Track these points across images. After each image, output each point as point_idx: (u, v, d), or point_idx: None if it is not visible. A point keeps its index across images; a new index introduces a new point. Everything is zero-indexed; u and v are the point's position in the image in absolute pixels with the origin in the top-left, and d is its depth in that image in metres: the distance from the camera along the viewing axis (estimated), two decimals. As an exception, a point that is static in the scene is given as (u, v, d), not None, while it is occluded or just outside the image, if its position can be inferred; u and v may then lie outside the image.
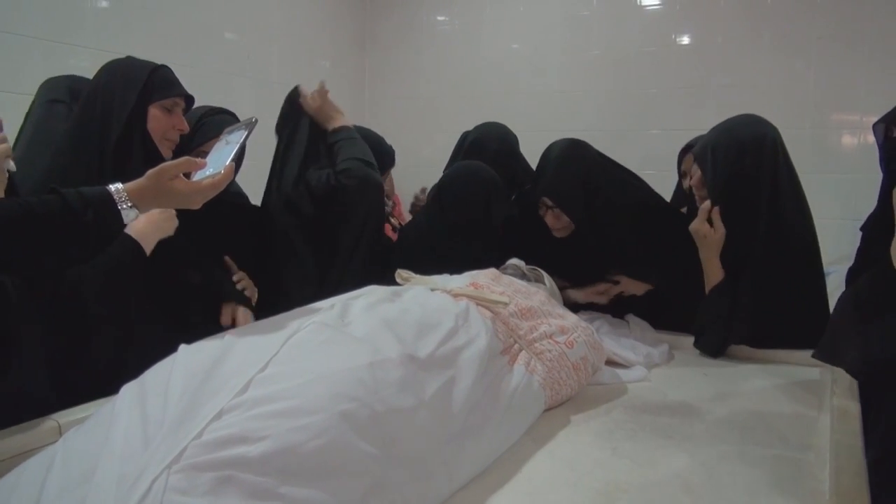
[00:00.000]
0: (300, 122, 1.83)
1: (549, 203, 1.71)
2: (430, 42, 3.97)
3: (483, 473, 0.93)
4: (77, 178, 1.14)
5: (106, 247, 1.04)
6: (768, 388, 1.34)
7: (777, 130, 1.56)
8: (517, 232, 1.84)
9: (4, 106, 2.19)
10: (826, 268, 1.60)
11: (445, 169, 1.98)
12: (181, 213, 1.14)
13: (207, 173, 1.09)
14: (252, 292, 1.60)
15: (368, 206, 1.75)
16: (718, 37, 3.25)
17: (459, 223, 1.74)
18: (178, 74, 1.44)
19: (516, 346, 1.15)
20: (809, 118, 3.09)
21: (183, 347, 0.89)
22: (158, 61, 1.44)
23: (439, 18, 3.95)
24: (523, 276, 1.55)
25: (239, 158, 1.61)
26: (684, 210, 1.84)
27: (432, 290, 1.21)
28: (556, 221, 1.72)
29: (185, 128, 1.42)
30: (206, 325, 1.37)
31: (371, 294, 1.13)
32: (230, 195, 1.71)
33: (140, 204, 1.03)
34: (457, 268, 1.39)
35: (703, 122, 1.64)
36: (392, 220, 2.23)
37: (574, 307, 1.63)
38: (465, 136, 2.08)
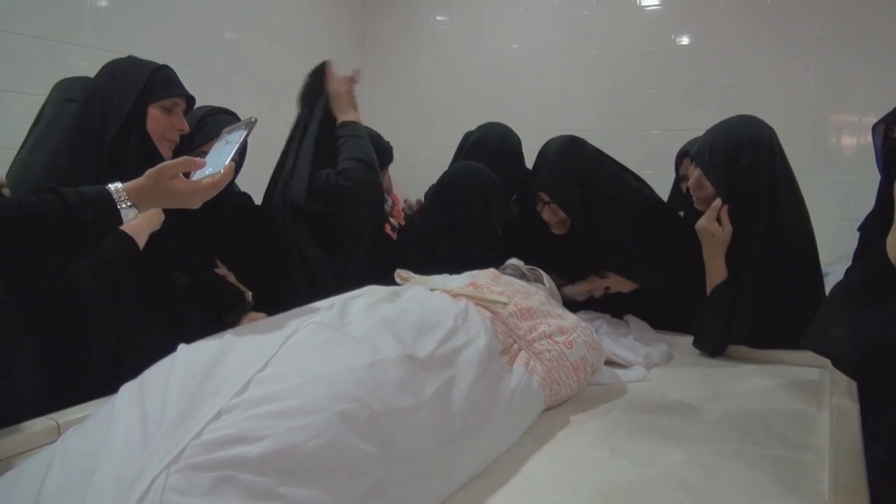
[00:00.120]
0: (318, 102, 1.84)
1: (546, 198, 1.71)
2: (429, 42, 3.97)
3: (482, 473, 0.93)
4: (76, 178, 1.14)
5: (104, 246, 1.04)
6: (767, 388, 1.34)
7: (773, 131, 1.56)
8: (516, 232, 1.84)
9: (4, 105, 2.19)
10: (825, 268, 1.60)
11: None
12: (180, 213, 1.14)
13: (207, 173, 1.09)
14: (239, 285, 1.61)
15: (366, 208, 1.75)
16: (718, 37, 3.25)
17: (458, 223, 1.74)
18: (177, 74, 1.44)
19: (515, 346, 1.15)
20: (809, 118, 3.09)
21: (182, 347, 0.89)
22: (158, 61, 1.44)
23: (439, 18, 3.95)
24: (522, 277, 1.55)
25: (240, 157, 1.62)
26: (681, 213, 1.85)
27: (431, 290, 1.21)
28: (553, 217, 1.73)
29: (185, 128, 1.42)
30: (203, 325, 1.36)
31: (370, 294, 1.13)
32: (233, 196, 1.72)
33: (139, 203, 1.03)
34: (456, 268, 1.39)
35: (703, 122, 1.64)
36: (391, 220, 2.23)
37: (573, 307, 1.63)
38: (467, 136, 2.08)
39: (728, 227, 1.53)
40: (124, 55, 1.46)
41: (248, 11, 3.24)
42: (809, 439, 1.08)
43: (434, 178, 1.89)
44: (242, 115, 1.69)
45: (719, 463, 0.98)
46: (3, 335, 1.08)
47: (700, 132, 1.67)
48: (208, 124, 1.58)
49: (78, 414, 1.02)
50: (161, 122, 1.37)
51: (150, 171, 1.04)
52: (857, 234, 1.56)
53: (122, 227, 1.22)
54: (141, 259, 1.25)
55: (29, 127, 1.47)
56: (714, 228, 1.53)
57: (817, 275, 1.56)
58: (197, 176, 1.10)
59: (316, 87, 1.85)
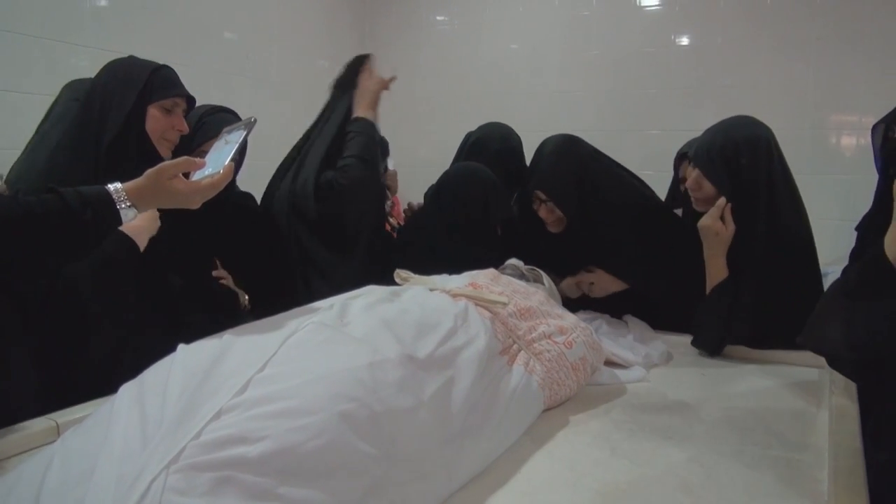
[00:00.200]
0: (344, 97, 1.85)
1: (543, 196, 1.72)
2: (429, 42, 3.97)
3: (482, 474, 0.93)
4: (75, 177, 1.14)
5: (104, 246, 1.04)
6: (767, 388, 1.34)
7: (771, 131, 1.56)
8: (516, 232, 1.84)
9: (4, 105, 2.19)
10: (824, 268, 1.60)
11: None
12: (179, 214, 1.14)
13: (206, 173, 1.09)
14: (236, 289, 1.61)
15: (362, 206, 1.75)
16: (718, 37, 3.25)
17: (458, 223, 1.74)
18: (177, 74, 1.44)
19: (515, 346, 1.15)
20: (808, 119, 3.09)
21: (182, 347, 0.89)
22: (158, 61, 1.44)
23: (438, 18, 3.95)
24: (522, 277, 1.55)
25: (240, 157, 1.62)
26: (678, 211, 1.85)
27: (431, 290, 1.21)
28: (550, 215, 1.73)
29: (185, 128, 1.41)
30: (201, 325, 1.36)
31: (370, 294, 1.13)
32: (234, 195, 1.71)
33: (139, 203, 1.03)
34: (456, 268, 1.39)
35: (703, 122, 1.65)
36: (391, 220, 2.23)
37: (573, 307, 1.63)
38: (468, 136, 2.08)
39: (731, 226, 1.53)
40: (124, 55, 1.46)
41: (247, 11, 3.25)
42: (809, 439, 1.08)
43: (434, 178, 1.89)
44: (242, 115, 1.69)
45: (719, 463, 0.98)
46: (1, 335, 1.08)
47: (700, 132, 1.67)
48: (207, 123, 1.58)
49: (77, 414, 1.02)
50: (160, 123, 1.36)
51: (149, 171, 1.04)
52: (856, 234, 1.57)
53: (122, 229, 1.22)
54: (141, 260, 1.25)
55: (29, 126, 1.47)
56: (718, 227, 1.53)
57: (816, 275, 1.56)
58: (196, 176, 1.10)
59: (350, 78, 1.85)
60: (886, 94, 2.68)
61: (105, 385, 1.01)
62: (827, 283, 1.57)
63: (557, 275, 1.76)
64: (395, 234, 2.12)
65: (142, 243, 1.25)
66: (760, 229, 1.51)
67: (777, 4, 3.12)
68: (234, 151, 1.10)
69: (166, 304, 1.37)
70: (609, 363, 1.38)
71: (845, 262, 1.59)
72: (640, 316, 1.72)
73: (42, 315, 1.17)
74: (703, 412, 1.19)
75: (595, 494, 0.88)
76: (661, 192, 2.24)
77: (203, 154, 1.22)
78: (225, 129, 1.18)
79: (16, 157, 1.41)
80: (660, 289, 1.70)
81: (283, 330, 0.90)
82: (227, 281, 1.59)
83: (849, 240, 1.61)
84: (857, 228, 1.55)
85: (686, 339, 1.59)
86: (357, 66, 1.86)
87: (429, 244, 1.75)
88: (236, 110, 1.72)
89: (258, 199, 1.87)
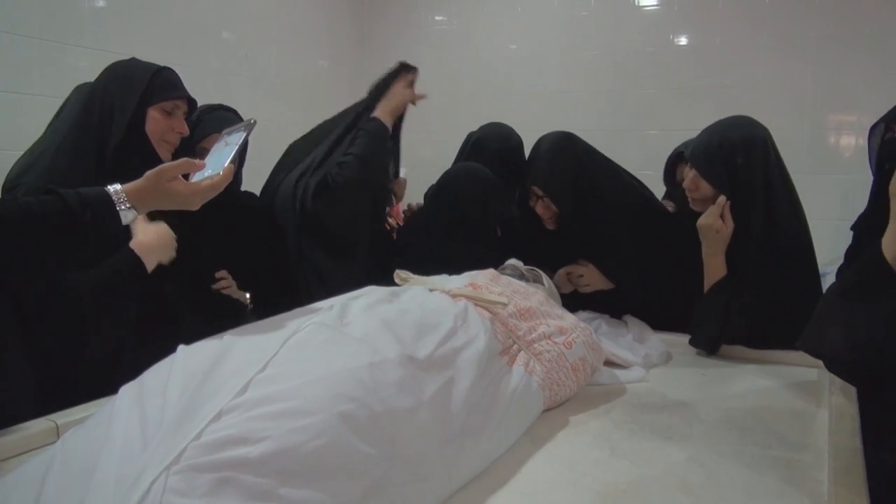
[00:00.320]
0: (365, 98, 1.85)
1: (539, 193, 1.72)
2: (427, 42, 3.97)
3: (482, 474, 0.93)
4: (75, 180, 1.14)
5: (104, 247, 1.04)
6: (766, 388, 1.34)
7: (767, 131, 1.57)
8: (517, 232, 1.84)
9: (3, 105, 2.19)
10: (823, 268, 1.61)
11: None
12: (183, 216, 1.14)
13: (206, 174, 1.09)
14: (237, 294, 1.61)
15: (355, 206, 1.74)
16: (717, 37, 3.26)
17: (457, 222, 1.74)
18: (179, 76, 1.44)
19: (515, 346, 1.15)
20: (808, 119, 3.10)
21: (182, 348, 0.89)
22: (156, 61, 1.44)
23: (437, 18, 3.95)
24: (521, 277, 1.55)
25: (240, 158, 1.62)
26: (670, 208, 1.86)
27: (431, 290, 1.21)
28: (546, 211, 1.74)
29: (185, 131, 1.41)
30: (198, 330, 1.36)
31: (370, 294, 1.13)
32: (239, 196, 1.71)
33: (139, 205, 1.03)
34: (455, 268, 1.40)
35: (702, 122, 1.65)
36: (390, 221, 2.23)
37: (572, 307, 1.63)
38: (469, 136, 2.08)
39: (731, 224, 1.53)
40: (123, 55, 1.46)
41: (246, 11, 3.24)
42: (808, 439, 1.08)
43: (433, 178, 1.90)
44: (242, 115, 1.69)
45: (719, 463, 0.98)
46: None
47: (699, 132, 1.68)
48: (206, 121, 1.59)
49: (77, 415, 1.02)
50: (160, 124, 1.36)
51: (149, 172, 1.04)
52: (852, 234, 1.57)
53: (132, 245, 1.22)
54: (145, 279, 1.24)
55: (29, 126, 1.48)
56: (718, 225, 1.53)
57: (814, 275, 1.56)
58: (196, 178, 1.10)
59: (388, 82, 1.85)
60: (886, 94, 2.68)
61: (103, 386, 1.01)
62: (825, 284, 1.58)
63: (551, 270, 1.77)
64: (394, 235, 2.12)
65: (150, 263, 1.25)
66: (757, 229, 1.51)
67: (776, 4, 3.13)
68: (233, 153, 1.10)
69: (163, 309, 1.37)
70: (608, 363, 1.38)
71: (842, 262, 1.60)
72: (639, 316, 1.72)
73: (41, 316, 1.17)
74: (702, 412, 1.19)
75: (595, 495, 0.88)
76: (659, 192, 2.24)
77: (202, 151, 1.22)
78: (225, 131, 1.18)
79: (15, 157, 1.41)
80: (649, 291, 1.70)
81: (283, 330, 0.90)
82: (230, 284, 1.59)
83: (847, 240, 1.62)
84: (853, 228, 1.55)
85: (685, 339, 1.60)
86: (397, 73, 1.86)
87: (428, 244, 1.75)
88: (235, 110, 1.72)
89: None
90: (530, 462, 0.98)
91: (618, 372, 1.38)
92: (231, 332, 0.95)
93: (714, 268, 1.56)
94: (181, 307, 1.42)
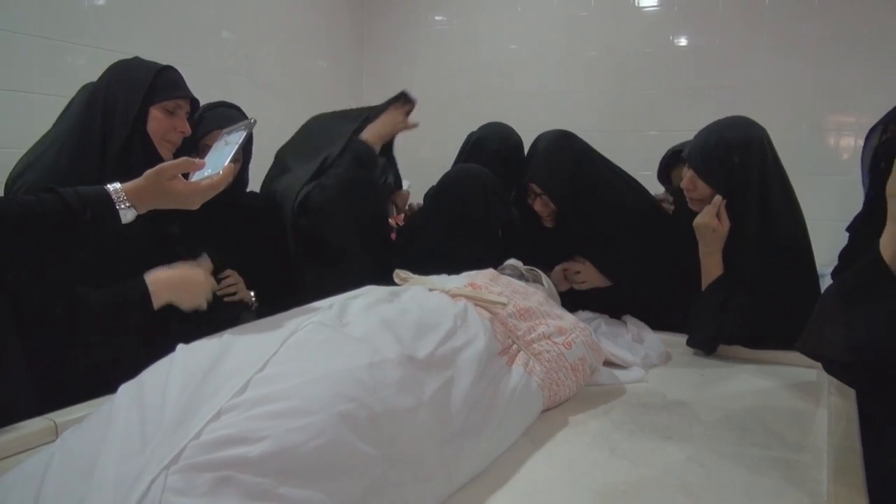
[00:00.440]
0: (368, 119, 1.83)
1: (537, 190, 1.73)
2: (427, 42, 3.97)
3: (482, 474, 0.93)
4: (77, 179, 1.14)
5: (104, 245, 1.04)
6: (766, 388, 1.34)
7: (765, 131, 1.57)
8: (516, 232, 1.85)
9: (3, 104, 2.19)
10: (821, 269, 1.61)
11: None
12: (188, 217, 1.14)
13: (206, 174, 1.09)
14: (244, 294, 1.60)
15: (336, 226, 1.72)
16: (716, 38, 3.26)
17: (457, 223, 1.74)
18: (182, 76, 1.44)
19: (514, 346, 1.15)
20: (807, 119, 3.10)
21: (181, 347, 0.89)
22: (156, 60, 1.43)
23: (437, 18, 3.95)
24: (521, 277, 1.55)
25: (245, 157, 1.62)
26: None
27: (430, 290, 1.21)
28: (545, 209, 1.75)
29: (187, 130, 1.41)
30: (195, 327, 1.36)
31: (369, 294, 1.13)
32: (244, 196, 1.71)
33: (138, 204, 1.03)
34: (455, 268, 1.40)
35: (701, 123, 1.65)
36: (390, 222, 2.23)
37: (572, 307, 1.63)
38: (469, 136, 2.09)
39: (727, 223, 1.54)
40: (123, 54, 1.45)
41: (246, 11, 3.24)
42: (808, 439, 1.08)
43: (433, 178, 1.90)
44: (243, 113, 1.68)
45: (718, 463, 0.98)
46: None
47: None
48: (208, 118, 1.59)
49: (76, 414, 1.02)
50: (162, 124, 1.36)
51: (149, 171, 1.04)
52: (849, 236, 1.57)
53: (148, 277, 1.22)
54: (149, 314, 1.24)
55: (28, 124, 1.47)
56: (714, 224, 1.54)
57: (812, 275, 1.57)
58: (196, 177, 1.10)
59: (384, 107, 1.83)
60: (885, 95, 2.68)
61: (102, 386, 1.01)
62: (824, 284, 1.58)
63: (549, 268, 1.77)
64: (394, 235, 2.12)
65: (158, 300, 1.24)
66: (753, 229, 1.51)
67: (775, 5, 3.13)
68: (233, 152, 1.10)
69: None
70: (608, 363, 1.38)
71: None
72: (638, 316, 1.72)
73: (42, 322, 1.17)
74: (702, 412, 1.19)
75: (594, 495, 0.88)
76: (657, 192, 2.24)
77: (205, 147, 1.22)
78: (225, 130, 1.18)
79: (15, 155, 1.41)
80: (646, 289, 1.70)
81: (282, 330, 0.90)
82: (237, 282, 1.60)
83: (846, 241, 1.62)
84: (849, 229, 1.55)
85: (684, 339, 1.60)
86: (396, 99, 1.84)
87: (428, 245, 1.75)
88: (238, 107, 1.71)
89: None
90: (530, 462, 0.98)
91: (617, 372, 1.38)
92: (230, 331, 0.95)
93: (711, 267, 1.56)
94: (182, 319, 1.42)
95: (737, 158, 1.51)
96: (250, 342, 0.87)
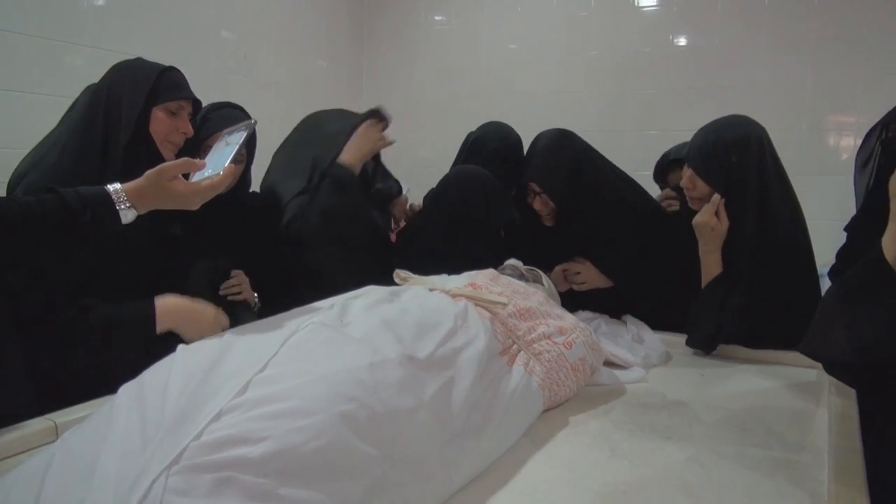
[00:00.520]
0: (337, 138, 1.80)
1: (537, 189, 1.73)
2: (427, 42, 3.97)
3: (482, 474, 0.93)
4: (79, 180, 1.14)
5: (104, 246, 1.03)
6: (766, 388, 1.34)
7: (764, 130, 1.57)
8: (518, 233, 1.85)
9: (2, 104, 2.19)
10: (821, 269, 1.61)
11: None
12: (193, 219, 1.14)
13: (206, 174, 1.09)
14: (248, 294, 1.60)
15: (320, 254, 1.70)
16: (716, 38, 3.26)
17: (458, 225, 1.74)
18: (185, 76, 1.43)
19: (515, 346, 1.15)
20: (806, 119, 3.10)
21: (181, 347, 0.89)
22: (155, 60, 1.43)
23: (437, 18, 3.95)
24: (521, 277, 1.55)
25: (249, 156, 1.62)
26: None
27: (431, 290, 1.21)
28: (544, 207, 1.75)
29: (190, 131, 1.41)
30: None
31: (370, 294, 1.13)
32: (249, 197, 1.71)
33: (138, 204, 1.03)
34: (456, 270, 1.39)
35: (701, 123, 1.65)
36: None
37: (572, 307, 1.63)
38: (469, 136, 2.09)
39: (726, 222, 1.54)
40: (122, 54, 1.45)
41: (245, 11, 3.24)
42: (808, 440, 1.08)
43: (432, 178, 1.89)
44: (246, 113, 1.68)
45: (719, 464, 0.98)
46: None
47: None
48: (212, 119, 1.58)
49: (76, 414, 1.02)
50: (164, 125, 1.36)
51: (149, 171, 1.04)
52: (847, 236, 1.57)
53: (158, 300, 1.24)
54: (150, 337, 1.24)
55: (27, 124, 1.47)
56: (713, 223, 1.54)
57: (812, 275, 1.57)
58: (196, 177, 1.10)
59: (359, 122, 1.78)
60: (885, 95, 2.68)
61: (102, 386, 1.01)
62: (824, 285, 1.58)
63: (548, 268, 1.77)
64: (394, 236, 2.12)
65: (163, 325, 1.24)
66: (750, 228, 1.52)
67: (775, 5, 3.13)
68: (234, 153, 1.10)
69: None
70: (608, 363, 1.38)
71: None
72: (638, 316, 1.73)
73: (41, 324, 1.17)
74: (702, 413, 1.19)
75: (595, 495, 0.88)
76: (656, 192, 2.24)
77: (208, 149, 1.22)
78: (225, 131, 1.18)
79: (15, 156, 1.41)
80: (646, 289, 1.70)
81: (283, 330, 0.90)
82: (243, 281, 1.60)
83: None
84: (847, 229, 1.55)
85: (685, 339, 1.60)
86: (370, 116, 1.79)
87: (428, 246, 1.75)
88: (241, 108, 1.71)
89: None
90: (530, 462, 0.98)
91: (617, 372, 1.38)
92: (231, 331, 0.95)
93: (710, 265, 1.57)
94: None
95: (735, 157, 1.52)
96: (251, 342, 0.87)
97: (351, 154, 1.73)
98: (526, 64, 3.69)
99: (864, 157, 1.55)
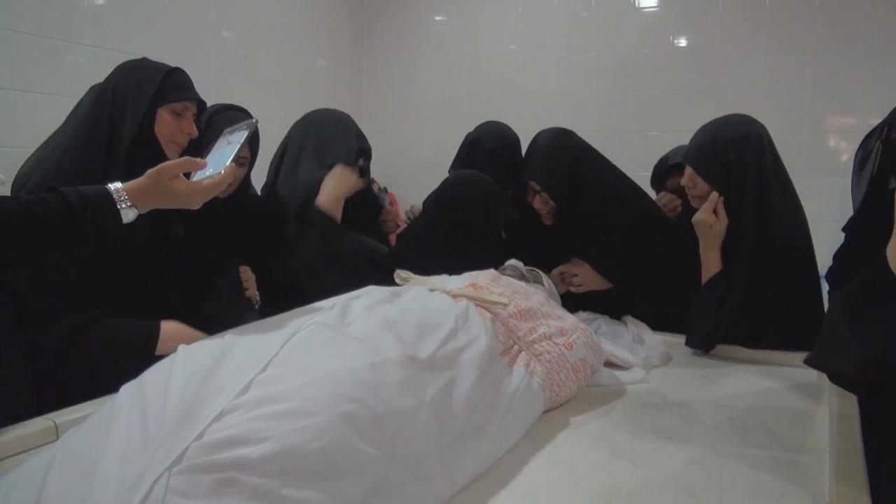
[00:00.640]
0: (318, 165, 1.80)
1: (537, 187, 1.73)
2: (427, 42, 3.97)
3: (483, 475, 0.93)
4: (82, 178, 1.13)
5: (105, 245, 1.03)
6: (767, 389, 1.34)
7: (765, 129, 1.57)
8: (518, 233, 1.84)
9: (2, 103, 2.19)
10: (820, 270, 1.61)
11: (449, 171, 1.99)
12: (197, 221, 1.14)
13: (208, 173, 1.09)
14: (253, 291, 1.61)
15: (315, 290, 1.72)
16: (716, 39, 3.26)
17: (457, 229, 1.73)
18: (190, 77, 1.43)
19: (515, 347, 1.15)
20: (807, 120, 3.10)
21: (182, 347, 0.89)
22: (154, 59, 1.43)
23: (437, 18, 3.95)
24: (522, 278, 1.55)
25: (253, 156, 1.62)
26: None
27: (431, 290, 1.21)
28: (544, 206, 1.75)
29: (194, 132, 1.41)
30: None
31: (371, 294, 1.13)
32: (251, 199, 1.72)
33: (139, 203, 1.03)
34: (457, 272, 1.39)
35: (701, 124, 1.65)
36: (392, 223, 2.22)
37: (572, 308, 1.63)
38: (467, 136, 2.09)
39: (724, 220, 1.55)
40: (122, 53, 1.45)
41: (245, 10, 3.24)
42: (809, 440, 1.08)
43: (432, 178, 1.89)
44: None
45: (720, 465, 0.98)
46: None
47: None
48: (217, 122, 1.58)
49: (76, 414, 1.02)
50: (169, 126, 1.36)
51: (150, 171, 1.04)
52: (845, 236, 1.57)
53: (165, 324, 1.25)
54: (150, 356, 1.24)
55: (27, 123, 1.47)
56: (711, 220, 1.55)
57: (813, 276, 1.57)
58: (197, 177, 1.09)
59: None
60: (885, 96, 2.68)
61: (102, 386, 1.01)
62: (825, 285, 1.58)
63: (547, 268, 1.77)
64: (394, 238, 2.12)
65: (163, 349, 1.24)
66: (748, 226, 1.52)
67: (775, 6, 3.13)
68: (235, 152, 1.10)
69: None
70: (609, 364, 1.38)
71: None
72: (638, 317, 1.72)
73: (40, 320, 1.17)
74: (703, 413, 1.19)
75: (596, 496, 0.88)
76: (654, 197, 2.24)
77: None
78: (227, 130, 1.18)
79: (15, 154, 1.41)
80: (643, 290, 1.70)
81: (284, 330, 0.90)
82: (250, 278, 1.60)
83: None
84: (844, 229, 1.55)
85: (685, 340, 1.60)
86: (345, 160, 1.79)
87: (429, 252, 1.74)
88: (246, 110, 1.71)
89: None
90: (531, 463, 0.98)
91: (618, 373, 1.37)
92: (232, 331, 0.95)
93: (709, 263, 1.57)
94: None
95: (733, 155, 1.52)
96: (252, 342, 0.87)
97: (327, 200, 1.73)
98: (526, 64, 3.69)
99: (862, 157, 1.55)
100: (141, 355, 1.21)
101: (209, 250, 1.51)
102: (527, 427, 1.08)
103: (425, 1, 3.95)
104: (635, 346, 1.56)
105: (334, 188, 1.74)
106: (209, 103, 1.67)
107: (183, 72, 1.41)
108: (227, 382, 0.77)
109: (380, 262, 1.70)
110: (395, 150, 3.87)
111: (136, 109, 1.31)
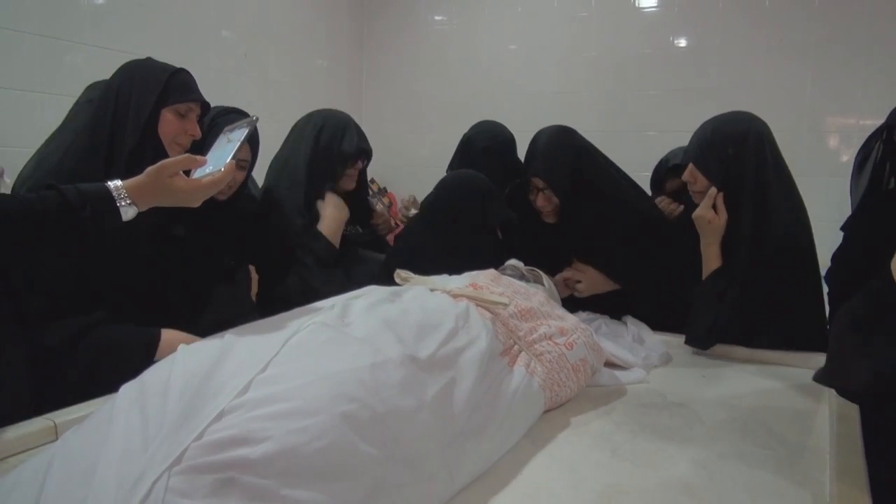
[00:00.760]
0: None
1: (540, 185, 1.72)
2: (427, 42, 3.97)
3: (483, 475, 0.93)
4: (83, 178, 1.13)
5: (105, 242, 1.03)
6: (768, 389, 1.34)
7: (766, 126, 1.58)
8: (517, 233, 1.84)
9: (2, 102, 2.18)
10: (822, 270, 1.61)
11: (447, 171, 1.98)
12: (198, 221, 1.14)
13: (207, 171, 1.09)
14: (254, 290, 1.61)
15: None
16: (716, 39, 3.26)
17: (455, 230, 1.72)
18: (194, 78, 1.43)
19: (516, 347, 1.15)
20: (806, 120, 3.10)
21: (182, 347, 0.89)
22: (155, 59, 1.43)
23: (437, 18, 3.95)
24: (522, 277, 1.54)
25: (254, 153, 1.62)
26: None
27: (432, 290, 1.21)
28: (547, 204, 1.74)
29: (198, 133, 1.40)
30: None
31: (371, 294, 1.13)
32: (243, 200, 1.72)
33: (139, 201, 1.03)
34: (456, 272, 1.39)
35: (700, 123, 1.65)
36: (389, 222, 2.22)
37: (572, 308, 1.62)
38: (463, 137, 2.09)
39: (724, 215, 1.55)
40: (122, 53, 1.45)
41: (245, 10, 3.24)
42: (810, 440, 1.08)
43: (431, 178, 1.89)
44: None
45: (720, 464, 0.98)
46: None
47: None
48: (219, 125, 1.58)
49: (76, 414, 1.02)
50: (173, 126, 1.35)
51: (150, 168, 1.03)
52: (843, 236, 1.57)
53: (167, 332, 1.25)
54: (149, 362, 1.24)
55: (26, 123, 1.47)
56: (710, 216, 1.55)
57: (813, 275, 1.56)
58: (197, 174, 1.09)
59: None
60: (884, 97, 2.68)
61: (102, 386, 1.01)
62: (825, 286, 1.58)
63: (547, 269, 1.76)
64: (392, 237, 2.11)
65: (162, 357, 1.24)
66: (746, 222, 1.52)
67: (775, 6, 3.13)
68: (235, 149, 1.10)
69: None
70: (609, 364, 1.38)
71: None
72: (639, 317, 1.72)
73: (41, 320, 1.17)
74: (703, 413, 1.19)
75: (596, 496, 0.88)
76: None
77: None
78: (227, 128, 1.18)
79: (15, 154, 1.40)
80: (645, 290, 1.70)
81: (284, 330, 0.89)
82: (253, 282, 1.60)
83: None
84: (843, 229, 1.55)
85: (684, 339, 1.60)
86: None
87: (427, 253, 1.74)
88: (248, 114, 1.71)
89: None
90: (531, 463, 0.98)
91: (618, 373, 1.37)
92: (231, 331, 0.95)
93: (709, 258, 1.58)
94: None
95: (731, 150, 1.53)
96: (252, 343, 0.87)
97: (327, 226, 1.80)
98: (526, 64, 3.70)
99: (862, 158, 1.55)
100: (140, 362, 1.21)
101: (210, 251, 1.51)
102: (527, 427, 1.08)
103: (425, 1, 3.95)
104: (635, 346, 1.56)
105: (336, 221, 1.81)
106: (224, 105, 1.67)
107: (188, 72, 1.41)
108: (227, 382, 0.77)
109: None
110: (394, 150, 3.87)
111: (140, 110, 1.31)
